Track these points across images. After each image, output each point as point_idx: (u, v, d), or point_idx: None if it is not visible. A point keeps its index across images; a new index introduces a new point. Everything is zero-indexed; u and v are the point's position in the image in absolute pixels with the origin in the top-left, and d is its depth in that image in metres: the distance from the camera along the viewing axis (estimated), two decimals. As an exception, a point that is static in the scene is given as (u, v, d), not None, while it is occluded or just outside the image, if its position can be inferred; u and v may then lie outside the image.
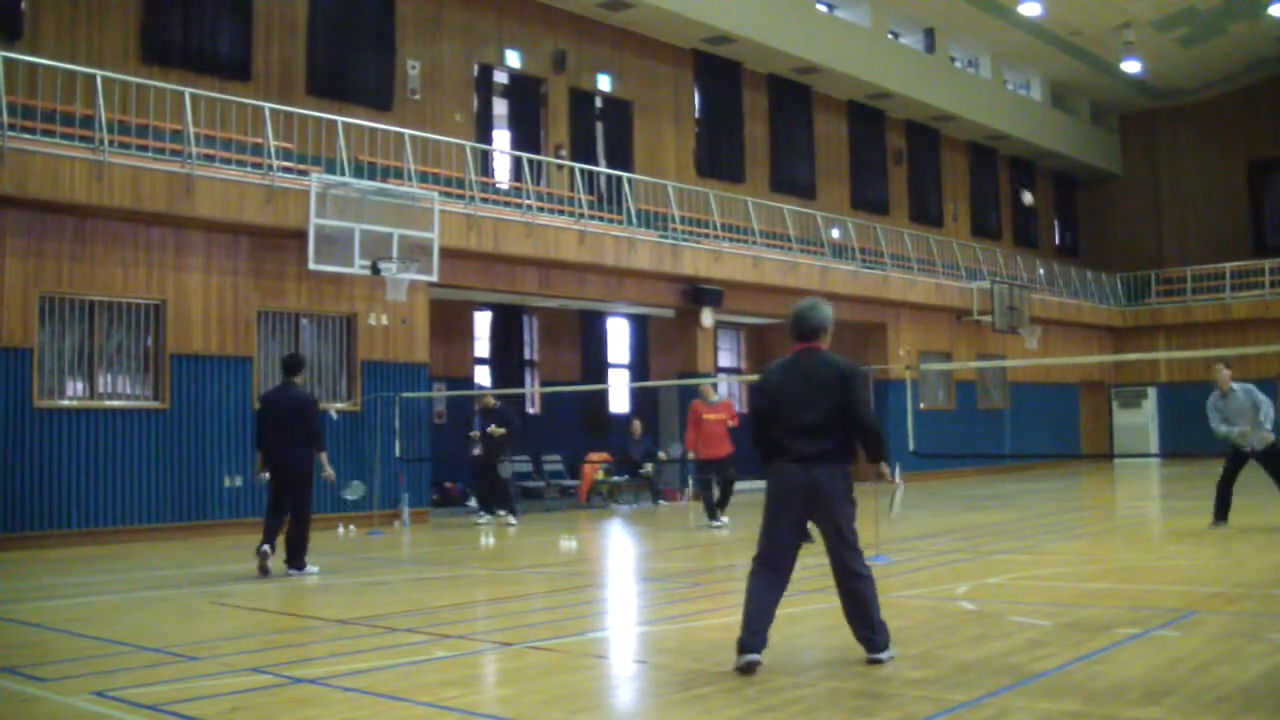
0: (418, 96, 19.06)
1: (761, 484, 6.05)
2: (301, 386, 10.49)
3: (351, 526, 14.81)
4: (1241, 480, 12.29)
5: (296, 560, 10.17)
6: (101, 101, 12.93)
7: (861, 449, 5.82)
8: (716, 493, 14.47)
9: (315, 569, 10.21)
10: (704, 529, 14.12)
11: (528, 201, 17.11)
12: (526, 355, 21.98)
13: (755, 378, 6.11)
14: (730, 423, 14.41)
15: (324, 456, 10.28)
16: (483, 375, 21.15)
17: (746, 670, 5.51)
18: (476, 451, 16.06)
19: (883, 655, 5.68)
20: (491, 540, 13.80)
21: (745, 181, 24.35)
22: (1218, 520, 12.25)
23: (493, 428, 15.77)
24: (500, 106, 20.80)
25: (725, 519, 14.41)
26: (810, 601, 7.48)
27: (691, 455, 14.56)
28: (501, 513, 16.03)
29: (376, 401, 15.69)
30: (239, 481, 14.29)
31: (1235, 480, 12.21)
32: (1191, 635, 6.32)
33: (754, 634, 5.61)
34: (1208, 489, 12.93)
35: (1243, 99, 33.72)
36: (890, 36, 28.51)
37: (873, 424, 5.79)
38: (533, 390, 21.67)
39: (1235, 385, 12.04)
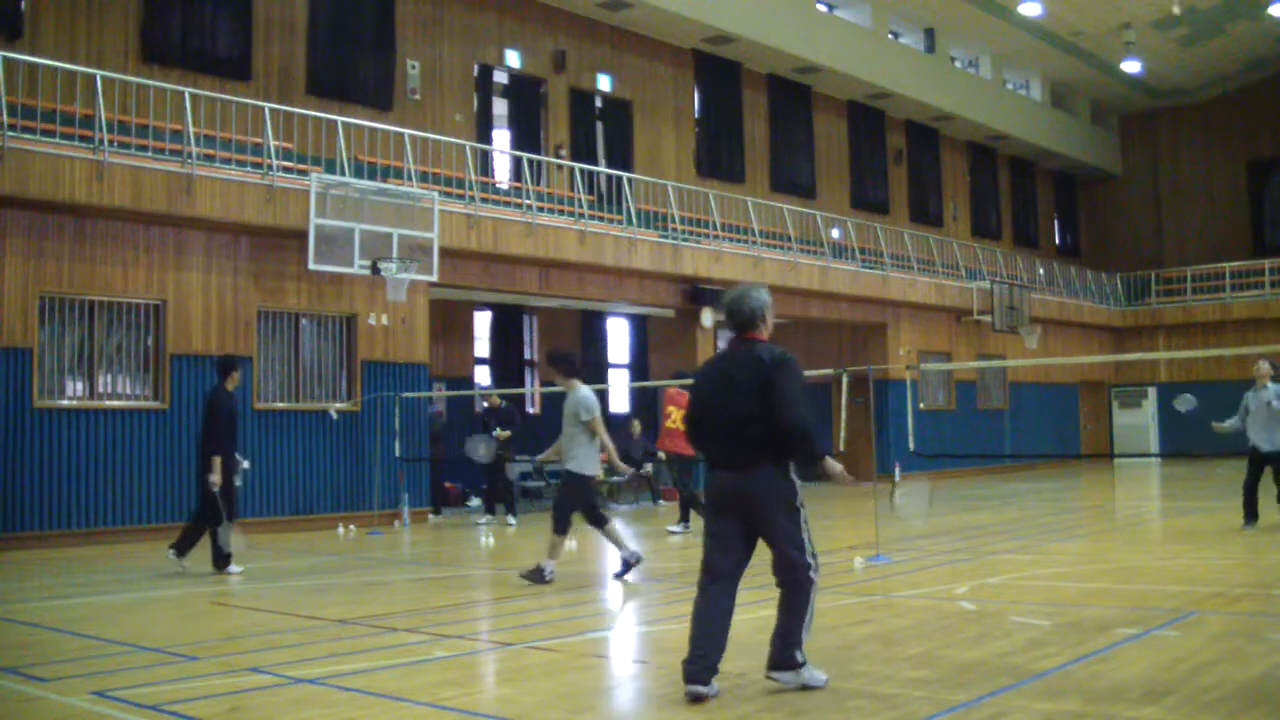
0: (418, 96, 19.06)
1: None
2: (226, 388, 10.38)
3: (352, 526, 14.81)
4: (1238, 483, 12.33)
5: (181, 547, 10.23)
6: (101, 101, 12.93)
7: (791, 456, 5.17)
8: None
9: (187, 564, 10.23)
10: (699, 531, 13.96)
11: (528, 201, 17.11)
12: (526, 355, 21.97)
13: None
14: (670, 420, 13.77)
15: (216, 461, 10.08)
16: (483, 375, 21.14)
17: (695, 701, 4.98)
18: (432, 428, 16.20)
19: (780, 675, 5.13)
20: (491, 540, 13.80)
21: (745, 181, 24.35)
22: (1248, 521, 12.20)
23: (498, 430, 15.77)
24: (500, 106, 20.79)
25: (678, 528, 13.81)
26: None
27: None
28: (488, 517, 16.01)
29: (376, 401, 15.69)
30: (239, 481, 14.23)
31: (1259, 480, 12.20)
32: (1191, 635, 6.32)
33: (698, 659, 5.05)
34: (1208, 489, 12.95)
35: (1243, 99, 33.72)
36: (890, 36, 28.51)
37: (793, 425, 5.00)
38: (533, 390, 21.65)
39: (1271, 384, 12.11)
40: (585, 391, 9.42)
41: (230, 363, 10.63)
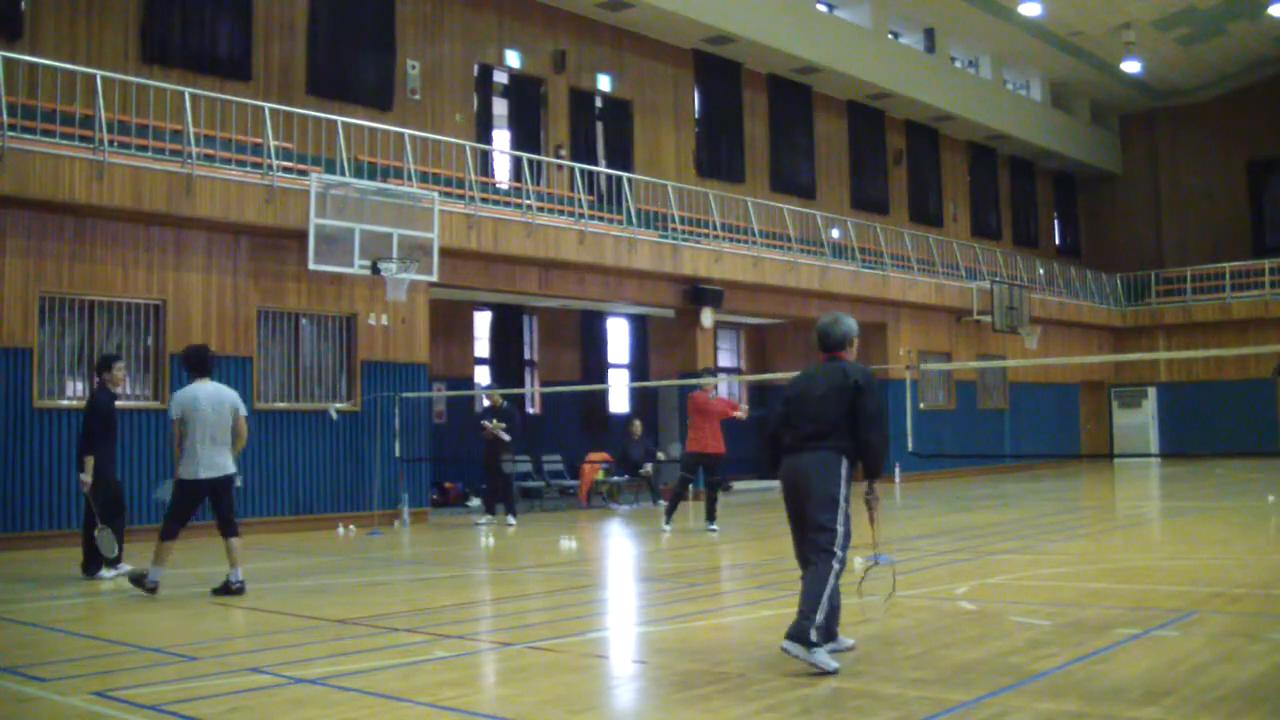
0: (418, 96, 19.06)
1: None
2: (106, 386, 10.04)
3: (351, 526, 14.81)
4: (1250, 480, 12.35)
5: (91, 568, 9.92)
6: (101, 101, 12.92)
7: (861, 462, 5.80)
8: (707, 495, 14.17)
9: (110, 574, 9.90)
10: (700, 531, 14.04)
11: (528, 201, 17.11)
12: (526, 355, 21.98)
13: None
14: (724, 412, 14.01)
15: (88, 461, 9.73)
16: (483, 375, 21.15)
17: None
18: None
19: (791, 646, 5.41)
20: (491, 540, 13.81)
21: (745, 181, 24.35)
22: None
23: (494, 423, 15.79)
24: (500, 106, 20.79)
25: (715, 526, 13.96)
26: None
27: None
28: (488, 517, 15.99)
29: (376, 401, 15.69)
30: (239, 481, 14.21)
31: None
32: (1191, 635, 6.32)
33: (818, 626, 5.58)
34: (1208, 489, 12.94)
35: (1243, 99, 33.72)
36: (890, 36, 28.51)
37: (874, 439, 5.71)
38: (533, 390, 21.66)
39: None
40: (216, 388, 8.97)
41: (106, 360, 10.27)
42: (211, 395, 8.87)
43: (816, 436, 5.72)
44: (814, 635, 5.42)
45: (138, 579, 8.76)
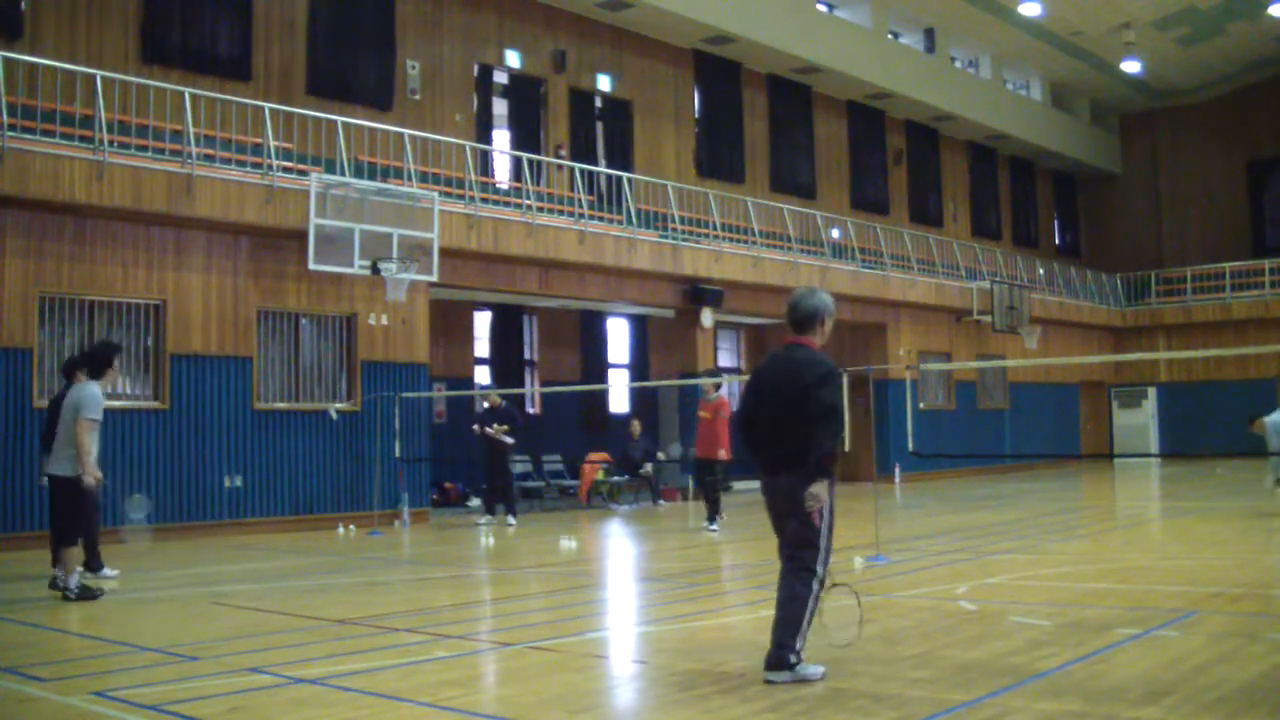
0: (418, 96, 19.06)
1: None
2: (80, 383, 9.21)
3: (352, 526, 14.81)
4: (1250, 480, 12.37)
5: (94, 566, 9.88)
6: (101, 101, 12.93)
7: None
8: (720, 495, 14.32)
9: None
10: (700, 530, 14.08)
11: (528, 201, 17.11)
12: (526, 355, 21.97)
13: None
14: (713, 415, 14.16)
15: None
16: (483, 375, 21.15)
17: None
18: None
19: (774, 676, 5.29)
20: (491, 540, 13.81)
21: (745, 181, 24.35)
22: None
23: (497, 427, 15.80)
24: (500, 106, 20.79)
25: (715, 526, 13.96)
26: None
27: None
28: (488, 517, 15.99)
29: (376, 401, 15.69)
30: (239, 481, 14.29)
31: None
32: (1191, 635, 6.32)
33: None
34: (1208, 489, 12.93)
35: (1243, 99, 33.72)
36: (890, 36, 28.51)
37: (823, 441, 5.27)
38: (533, 390, 21.66)
39: None
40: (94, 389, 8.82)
41: (74, 363, 9.92)
42: (70, 396, 8.88)
43: (786, 460, 5.40)
44: (793, 658, 5.29)
45: (87, 593, 8.64)
